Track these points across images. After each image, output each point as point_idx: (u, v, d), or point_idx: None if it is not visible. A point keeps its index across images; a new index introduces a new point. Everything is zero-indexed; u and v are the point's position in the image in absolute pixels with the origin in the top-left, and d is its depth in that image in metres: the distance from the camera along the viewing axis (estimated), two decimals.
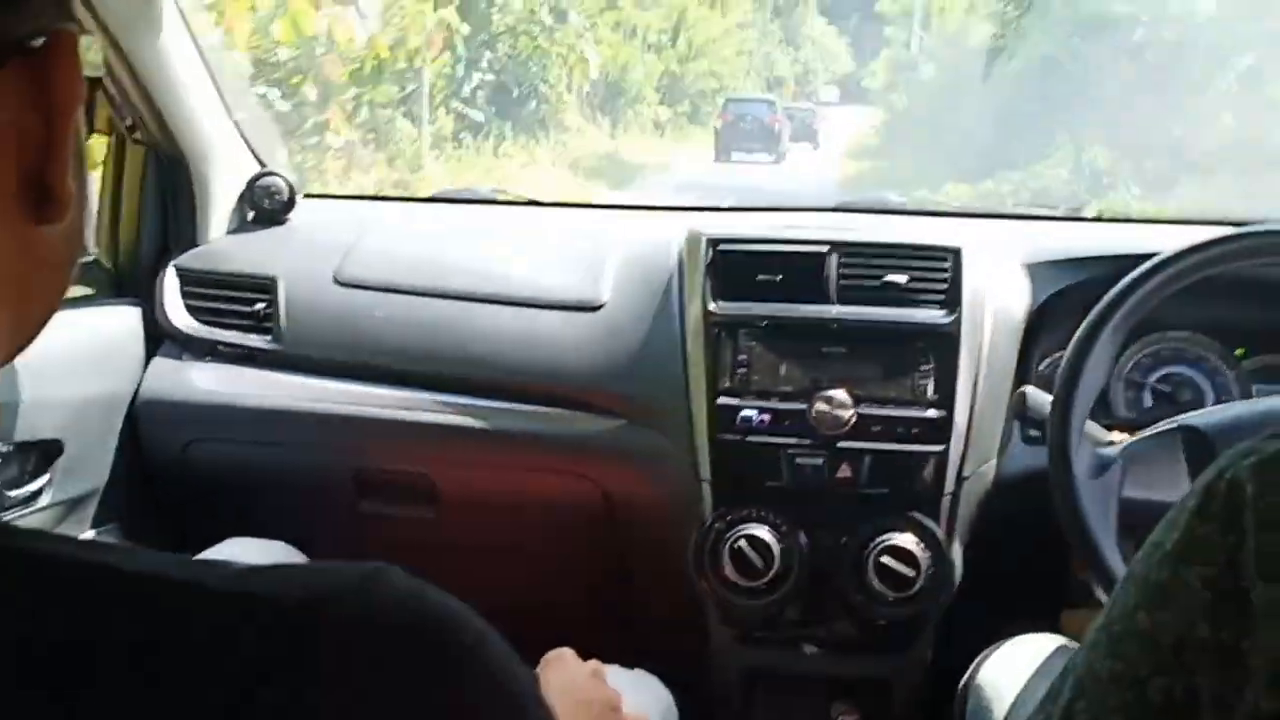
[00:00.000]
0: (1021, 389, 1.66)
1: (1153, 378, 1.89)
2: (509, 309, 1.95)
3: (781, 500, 1.77)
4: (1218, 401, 1.85)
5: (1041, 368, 1.89)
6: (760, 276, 1.84)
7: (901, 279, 1.81)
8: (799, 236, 1.87)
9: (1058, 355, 1.86)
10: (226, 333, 2.03)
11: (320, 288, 2.02)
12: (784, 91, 18.23)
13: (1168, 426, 1.49)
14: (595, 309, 1.93)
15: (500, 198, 2.46)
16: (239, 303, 2.04)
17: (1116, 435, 1.57)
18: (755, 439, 1.77)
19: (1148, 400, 1.88)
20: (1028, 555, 1.79)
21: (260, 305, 2.02)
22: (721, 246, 1.87)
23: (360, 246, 2.08)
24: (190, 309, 2.05)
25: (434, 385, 1.92)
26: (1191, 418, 1.49)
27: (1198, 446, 1.42)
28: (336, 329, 1.99)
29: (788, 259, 1.85)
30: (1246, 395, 1.85)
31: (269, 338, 2.00)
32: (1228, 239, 1.50)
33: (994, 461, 1.81)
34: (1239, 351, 1.89)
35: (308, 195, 2.31)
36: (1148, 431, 1.52)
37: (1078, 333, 1.53)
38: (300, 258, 2.09)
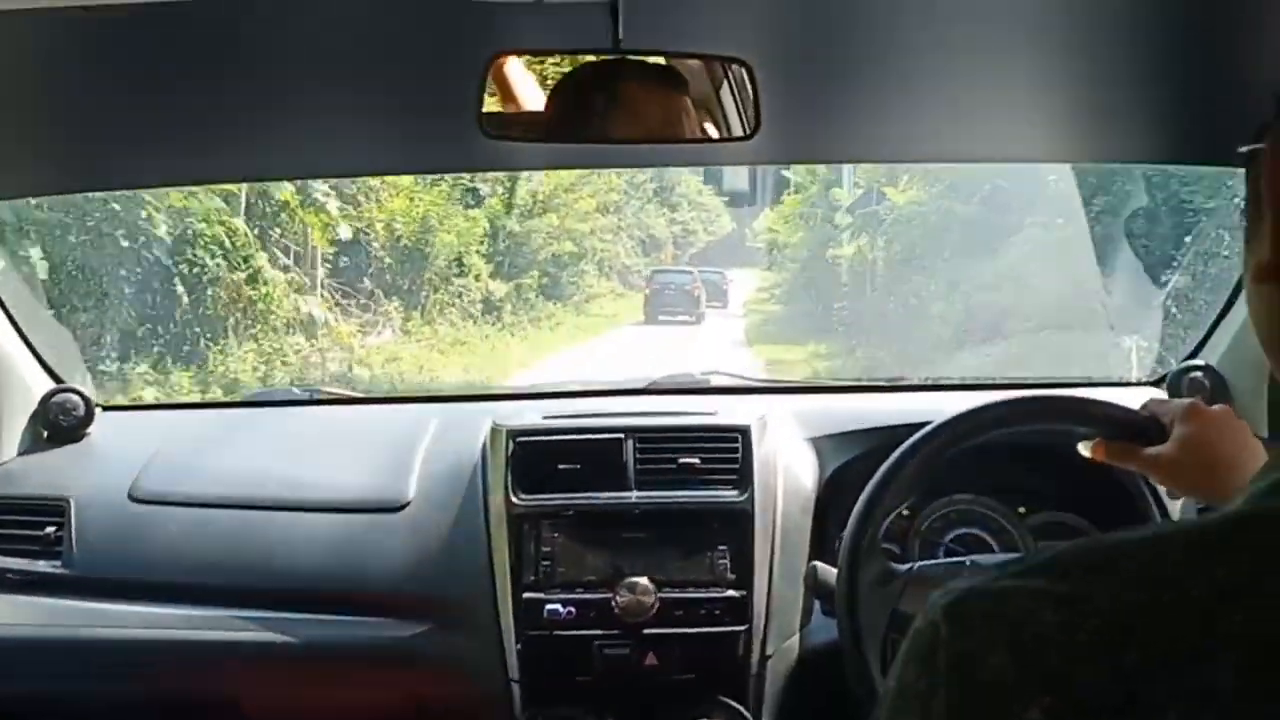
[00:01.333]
0: (812, 564, 1.74)
1: (947, 538, 2.00)
2: (312, 515, 1.95)
3: (591, 695, 1.78)
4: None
5: (834, 533, 1.97)
6: (561, 466, 1.89)
7: (694, 460, 1.89)
8: (596, 425, 1.94)
9: (845, 514, 1.96)
10: (13, 560, 1.96)
11: (114, 506, 1.98)
12: (663, 256, 17.92)
13: (958, 559, 1.63)
14: (399, 509, 1.95)
15: (317, 396, 2.48)
16: (27, 527, 1.98)
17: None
18: (561, 633, 1.79)
19: (941, 558, 1.98)
20: None
21: (51, 529, 1.97)
22: (521, 439, 1.92)
23: (159, 460, 2.06)
24: None
25: (235, 601, 1.89)
26: (981, 559, 1.62)
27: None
28: (131, 548, 1.95)
29: (587, 447, 1.91)
30: (1029, 549, 1.95)
31: (58, 562, 1.94)
32: (988, 407, 1.62)
33: (796, 637, 1.86)
34: (1021, 510, 2.00)
35: (108, 408, 2.29)
36: (940, 560, 1.65)
37: (857, 506, 1.61)
38: (94, 475, 2.05)
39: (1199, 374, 2.13)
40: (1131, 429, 1.43)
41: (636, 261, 17.24)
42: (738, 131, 1.57)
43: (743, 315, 16.69)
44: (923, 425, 1.73)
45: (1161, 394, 2.15)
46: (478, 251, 11.65)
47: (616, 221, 16.18)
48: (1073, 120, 1.82)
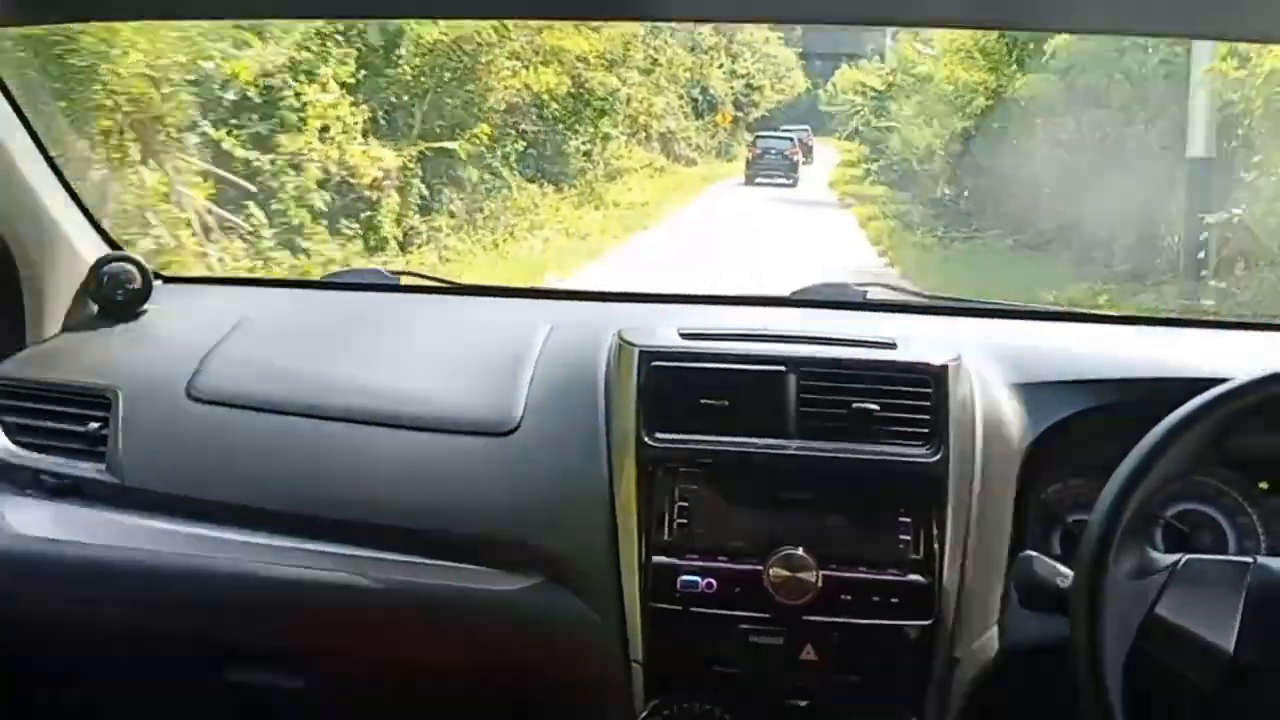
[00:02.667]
0: (1026, 554, 1.37)
1: (1168, 513, 1.63)
2: (402, 432, 1.63)
3: (732, 689, 1.47)
4: (1239, 545, 1.61)
5: (1042, 502, 1.62)
6: (705, 401, 1.55)
7: (873, 406, 1.53)
8: (751, 353, 1.59)
9: (1058, 488, 1.61)
10: (50, 458, 1.68)
11: (169, 403, 1.69)
12: (720, 119, 17.72)
13: (1241, 559, 1.28)
14: (507, 433, 1.62)
15: (406, 282, 2.14)
16: (68, 420, 1.70)
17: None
18: (699, 610, 1.47)
19: (1158, 540, 1.62)
20: None
21: (94, 425, 1.69)
22: (657, 363, 1.57)
23: (223, 350, 1.76)
24: (8, 428, 1.71)
25: (303, 530, 1.59)
26: (1272, 561, 1.27)
27: (1266, 590, 1.23)
28: (186, 456, 1.66)
29: (740, 380, 1.56)
30: (1275, 540, 1.61)
31: (102, 466, 1.66)
32: None
33: (993, 633, 1.51)
34: (1263, 485, 1.63)
35: (168, 279, 2.00)
36: (1215, 556, 1.33)
37: (1121, 474, 1.26)
38: (149, 364, 1.76)
39: None
40: None
41: (685, 125, 16.82)
42: None
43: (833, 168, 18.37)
44: (1169, 380, 1.39)
45: None
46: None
47: (653, 75, 14.98)
48: None
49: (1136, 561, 1.25)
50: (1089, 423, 1.58)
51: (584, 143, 13.56)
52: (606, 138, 14.13)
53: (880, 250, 12.13)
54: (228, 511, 1.62)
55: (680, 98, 15.96)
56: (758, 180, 16.07)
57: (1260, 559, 1.26)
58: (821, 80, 19.57)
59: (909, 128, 14.54)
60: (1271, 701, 1.21)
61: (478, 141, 10.35)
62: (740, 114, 18.28)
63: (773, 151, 16.57)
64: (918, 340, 1.66)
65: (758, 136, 17.12)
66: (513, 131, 11.60)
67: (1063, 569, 1.30)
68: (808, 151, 17.00)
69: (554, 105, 12.47)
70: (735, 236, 12.47)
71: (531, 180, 12.25)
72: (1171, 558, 1.26)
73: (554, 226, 12.16)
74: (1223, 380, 1.29)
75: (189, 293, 2.03)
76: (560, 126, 12.87)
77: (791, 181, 16.25)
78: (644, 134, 15.45)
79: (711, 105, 17.21)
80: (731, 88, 16.78)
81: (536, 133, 12.39)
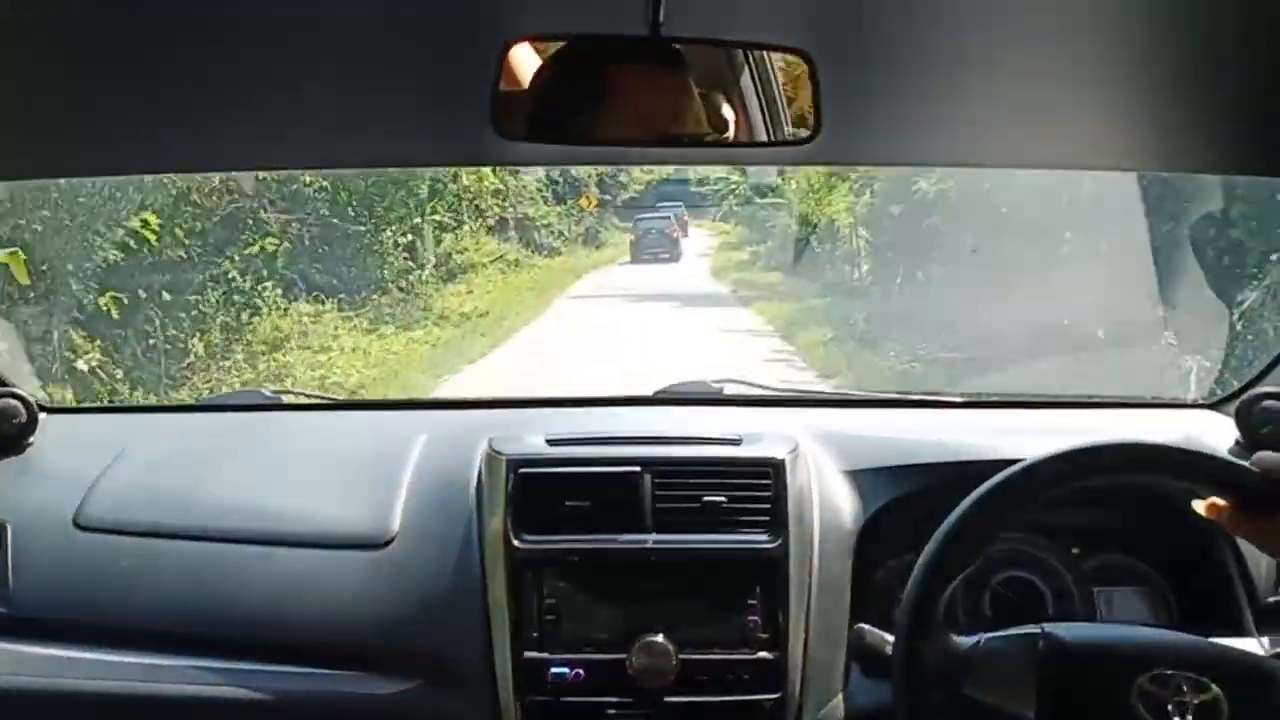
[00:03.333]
0: (859, 627, 1.54)
1: (994, 580, 1.82)
2: (281, 549, 1.74)
3: None
4: (1058, 607, 1.79)
5: (879, 576, 1.80)
6: (569, 503, 1.70)
7: (720, 499, 1.70)
8: (609, 456, 1.75)
9: (895, 563, 1.77)
10: None
11: (58, 533, 1.76)
12: (584, 203, 16.63)
13: (1030, 630, 1.40)
14: (383, 545, 1.74)
15: (285, 400, 2.26)
16: None
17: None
18: (569, 699, 1.60)
19: (986, 606, 1.81)
20: None
21: None
22: (524, 470, 1.72)
23: (108, 478, 1.84)
24: None
25: (195, 649, 1.68)
26: (1057, 628, 1.40)
27: (1055, 659, 1.35)
28: (77, 584, 1.73)
29: (599, 482, 1.71)
30: (1087, 600, 1.80)
31: None
32: (1087, 451, 1.44)
33: (838, 701, 1.67)
34: (1075, 551, 1.84)
35: (52, 410, 2.08)
36: (1009, 631, 1.43)
37: (917, 570, 1.43)
38: (36, 495, 1.83)
39: (1274, 401, 1.95)
40: (1250, 492, 1.31)
41: (544, 211, 15.18)
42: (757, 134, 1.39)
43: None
44: (984, 463, 1.57)
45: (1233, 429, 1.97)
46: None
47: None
48: (1145, 128, 1.64)
49: (942, 646, 1.38)
50: (912, 503, 1.76)
51: (401, 234, 10.94)
52: (442, 227, 12.11)
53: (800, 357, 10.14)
54: (120, 635, 1.69)
55: (538, 181, 14.57)
56: (644, 258, 16.74)
57: (1047, 627, 1.40)
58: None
59: (806, 203, 12.90)
60: None
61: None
62: (607, 197, 17.43)
63: (654, 231, 17.27)
64: (762, 434, 1.84)
65: (638, 219, 17.75)
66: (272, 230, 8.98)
67: (889, 637, 1.47)
68: (684, 227, 17.82)
69: (344, 194, 9.90)
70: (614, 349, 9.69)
71: (309, 295, 9.31)
72: (972, 639, 1.40)
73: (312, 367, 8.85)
74: (1017, 460, 1.48)
75: (73, 423, 2.11)
76: (359, 219, 10.23)
77: (674, 257, 17.01)
78: (496, 222, 13.64)
79: (574, 189, 16.23)
80: (595, 169, 15.39)
81: (317, 227, 9.65)
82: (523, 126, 1.26)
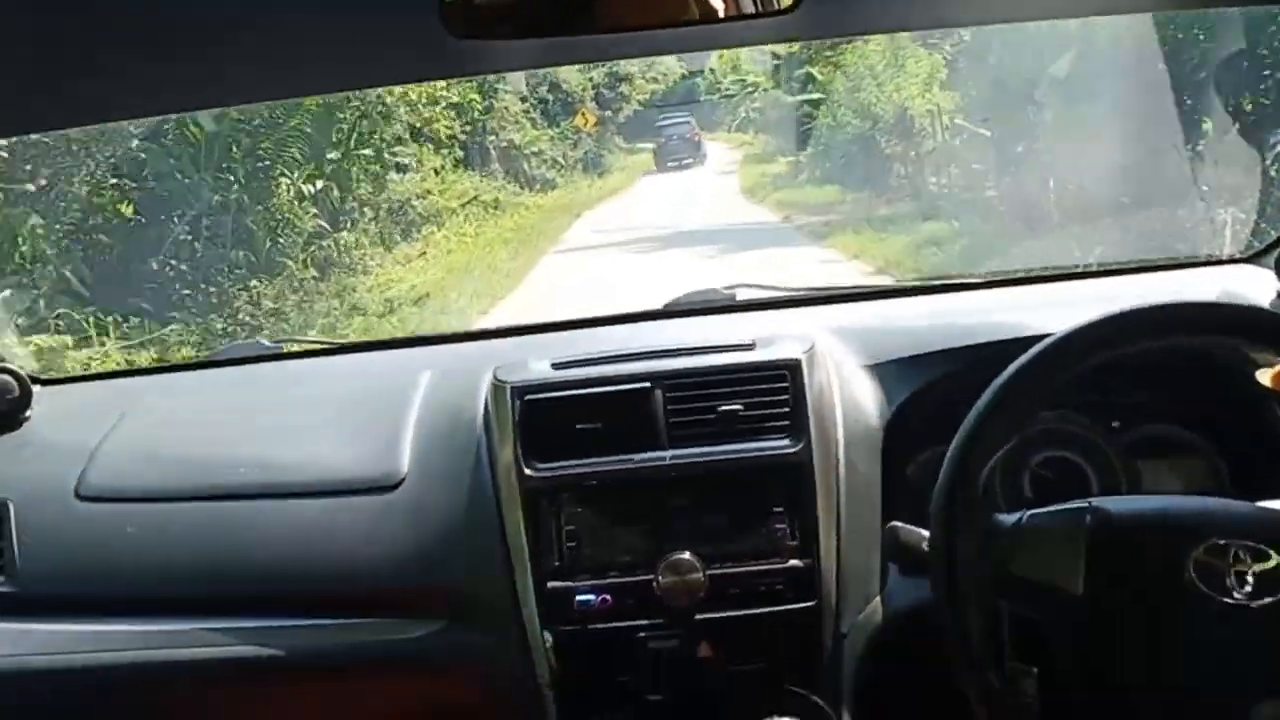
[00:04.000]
0: (891, 526, 1.48)
1: (1032, 461, 1.76)
2: (290, 501, 1.69)
3: (639, 697, 1.55)
4: (1102, 484, 1.73)
5: (909, 472, 1.73)
6: (580, 426, 1.63)
7: (737, 407, 1.63)
8: (617, 374, 1.68)
9: (926, 456, 1.71)
10: None
11: (60, 506, 1.72)
12: (579, 122, 14.59)
13: (1077, 505, 1.36)
14: (394, 487, 1.68)
15: (286, 349, 2.20)
16: None
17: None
18: (597, 626, 1.55)
19: (1026, 488, 1.74)
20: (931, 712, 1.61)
21: None
22: (529, 397, 1.65)
23: (108, 446, 1.79)
24: None
25: (210, 611, 1.64)
26: (1105, 502, 1.35)
27: (1104, 533, 1.31)
28: (83, 556, 1.69)
29: (608, 402, 1.64)
30: (1132, 473, 1.73)
31: (1, 577, 1.70)
32: (1151, 310, 1.38)
33: (876, 604, 1.61)
34: (1115, 424, 1.76)
35: (47, 382, 2.03)
36: (1053, 507, 1.38)
37: (953, 447, 1.36)
38: (36, 470, 1.78)
39: None
40: None
41: (534, 136, 12.72)
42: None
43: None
44: (1012, 342, 1.50)
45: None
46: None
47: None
48: None
49: (983, 528, 1.34)
50: (938, 392, 1.69)
51: (300, 180, 7.67)
52: (401, 168, 9.38)
53: None
54: (129, 605, 1.65)
55: (525, 101, 11.89)
56: (669, 165, 16.30)
57: (1094, 501, 1.36)
58: (696, 66, 17.10)
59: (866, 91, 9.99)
60: (1122, 631, 1.31)
61: None
62: (607, 113, 14.90)
63: (676, 137, 16.75)
64: (775, 337, 1.76)
65: (659, 124, 16.99)
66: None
67: (925, 533, 1.41)
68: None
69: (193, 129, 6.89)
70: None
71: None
72: (1014, 516, 1.35)
73: None
74: (1046, 336, 1.40)
75: (70, 393, 2.06)
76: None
77: (699, 161, 16.63)
78: (474, 152, 10.84)
79: (568, 107, 13.34)
80: (590, 80, 12.91)
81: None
82: (477, 24, 1.16)
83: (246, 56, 1.37)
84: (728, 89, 17.18)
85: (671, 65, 16.01)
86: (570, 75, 13.28)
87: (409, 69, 1.60)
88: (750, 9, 1.29)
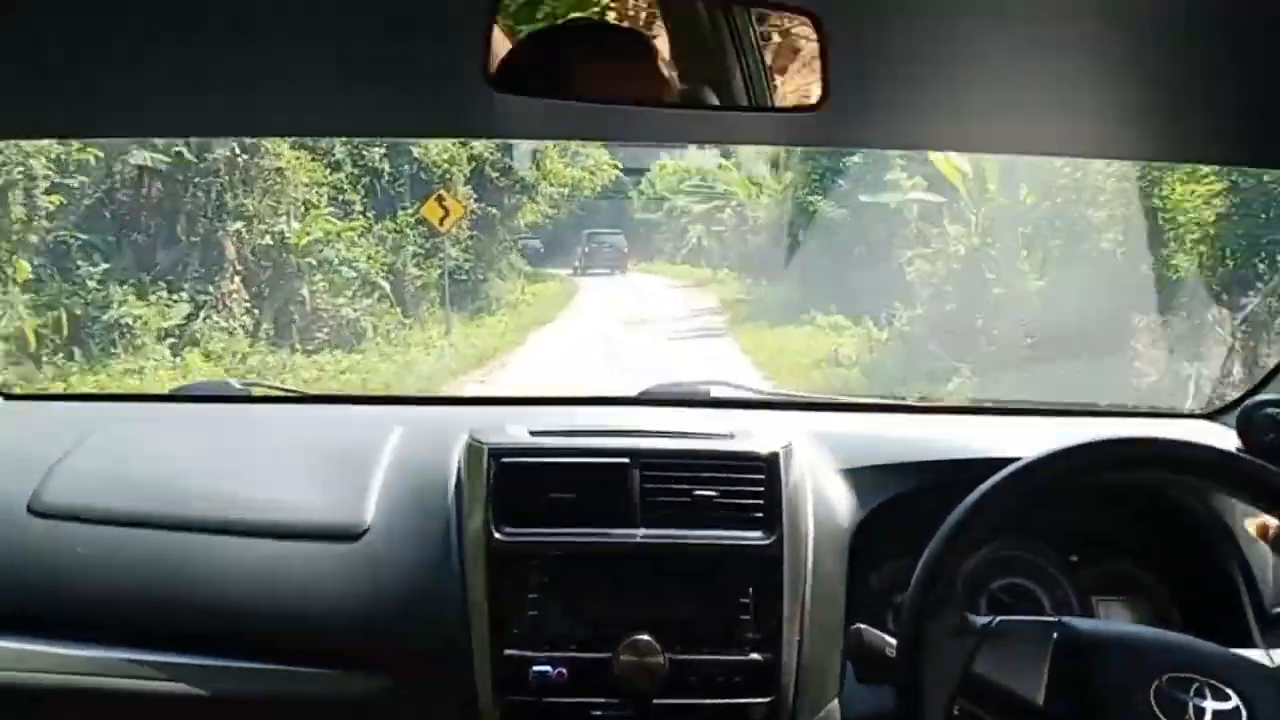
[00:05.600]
0: (856, 627, 1.48)
1: (992, 585, 1.78)
2: (250, 540, 1.66)
3: None
4: (1057, 615, 1.74)
5: (873, 580, 1.75)
6: (553, 495, 1.63)
7: (711, 494, 1.64)
8: (595, 446, 1.68)
9: (891, 565, 1.73)
10: None
11: (11, 519, 1.68)
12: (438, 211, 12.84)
13: (1048, 619, 1.39)
14: (357, 537, 1.66)
15: (256, 392, 2.19)
16: None
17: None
18: (551, 700, 1.52)
19: (983, 611, 1.76)
20: None
21: None
22: (505, 460, 1.65)
23: (67, 464, 1.76)
24: None
25: (154, 642, 1.59)
26: (1076, 622, 1.39)
27: (1072, 648, 1.33)
28: (29, 572, 1.65)
29: (584, 474, 1.64)
30: (1087, 609, 1.77)
31: None
32: (1104, 444, 1.42)
33: (833, 707, 1.60)
34: (1073, 558, 1.80)
35: (10, 397, 2.00)
36: (1025, 617, 1.43)
37: (933, 545, 1.39)
38: None
39: (1277, 409, 1.91)
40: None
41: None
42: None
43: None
44: (984, 461, 1.54)
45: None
46: None
47: None
48: (1151, 116, 1.61)
49: (954, 623, 1.35)
50: (910, 504, 1.70)
51: None
52: None
53: None
54: (72, 627, 1.61)
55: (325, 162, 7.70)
56: (590, 272, 14.33)
57: (1065, 619, 1.39)
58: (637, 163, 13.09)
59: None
60: None
61: None
62: (491, 208, 10.05)
63: (606, 245, 14.42)
64: (752, 431, 1.78)
65: (589, 233, 14.37)
66: None
67: (890, 639, 1.42)
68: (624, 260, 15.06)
69: None
70: None
71: None
72: (985, 619, 1.37)
73: None
74: (1015, 459, 1.44)
75: (34, 409, 2.03)
76: None
77: (621, 271, 14.55)
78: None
79: (421, 186, 8.82)
80: (470, 152, 8.93)
81: None
82: (516, 81, 1.20)
83: (282, 90, 1.41)
84: (675, 204, 13.35)
85: (603, 157, 11.59)
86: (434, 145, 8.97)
87: (447, 121, 1.63)
88: (778, 103, 1.35)
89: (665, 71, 1.29)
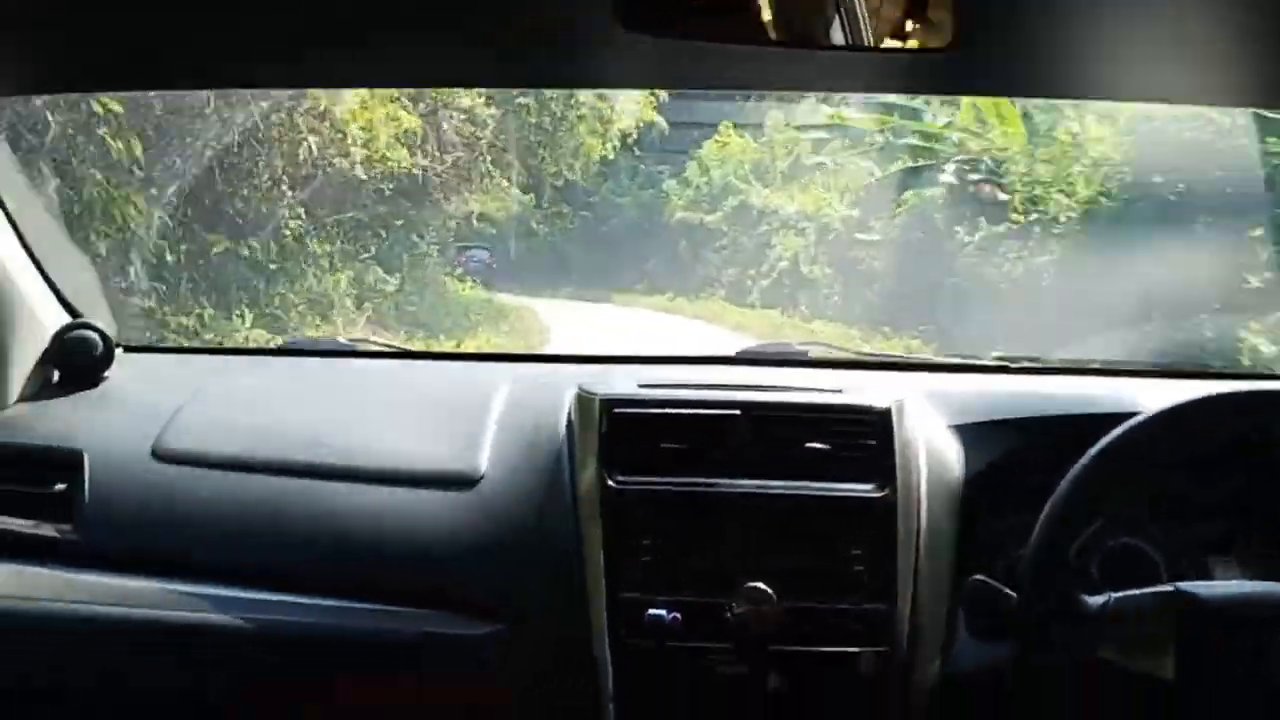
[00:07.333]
0: (975, 579, 1.48)
1: (1104, 546, 1.76)
2: (367, 486, 1.69)
3: None
4: (1172, 575, 1.70)
5: (985, 536, 1.73)
6: (665, 444, 1.64)
7: (824, 446, 1.64)
8: (707, 399, 1.69)
9: (1001, 524, 1.71)
10: (17, 520, 1.70)
11: (135, 464, 1.73)
12: None
13: (1163, 589, 1.36)
14: (471, 484, 1.69)
15: (364, 348, 2.23)
16: (35, 484, 1.72)
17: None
18: (666, 644, 1.53)
19: (1094, 572, 1.74)
20: None
21: (61, 486, 1.72)
22: (617, 410, 1.67)
23: (188, 412, 1.81)
24: None
25: (273, 583, 1.63)
26: (1193, 587, 1.36)
27: (1194, 618, 1.31)
28: (153, 515, 1.69)
29: (696, 424, 1.65)
30: (1202, 569, 1.71)
31: (69, 526, 1.69)
32: (1224, 399, 1.39)
33: (939, 662, 1.60)
34: (1185, 516, 1.74)
35: (129, 348, 2.05)
36: (1141, 590, 1.37)
37: (1056, 499, 1.38)
38: (114, 427, 1.80)
39: None
40: None
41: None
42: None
43: None
44: (1097, 418, 1.52)
45: None
46: None
47: None
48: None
49: (1070, 603, 1.34)
50: (1023, 459, 1.69)
51: None
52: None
53: None
54: (196, 567, 1.65)
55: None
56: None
57: (1180, 586, 1.35)
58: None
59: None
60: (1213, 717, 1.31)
61: None
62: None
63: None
64: (864, 387, 1.78)
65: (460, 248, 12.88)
66: None
67: (1008, 591, 1.41)
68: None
69: None
70: None
71: None
72: (1100, 599, 1.35)
73: None
74: (1132, 415, 1.42)
75: (150, 361, 2.09)
76: None
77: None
78: None
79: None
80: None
81: None
82: (649, 20, 1.20)
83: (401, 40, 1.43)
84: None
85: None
86: None
87: (580, 69, 1.63)
88: (902, 44, 1.33)
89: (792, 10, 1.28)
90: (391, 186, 7.16)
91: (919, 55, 1.31)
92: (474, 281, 8.64)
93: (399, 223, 7.54)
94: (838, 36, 1.30)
